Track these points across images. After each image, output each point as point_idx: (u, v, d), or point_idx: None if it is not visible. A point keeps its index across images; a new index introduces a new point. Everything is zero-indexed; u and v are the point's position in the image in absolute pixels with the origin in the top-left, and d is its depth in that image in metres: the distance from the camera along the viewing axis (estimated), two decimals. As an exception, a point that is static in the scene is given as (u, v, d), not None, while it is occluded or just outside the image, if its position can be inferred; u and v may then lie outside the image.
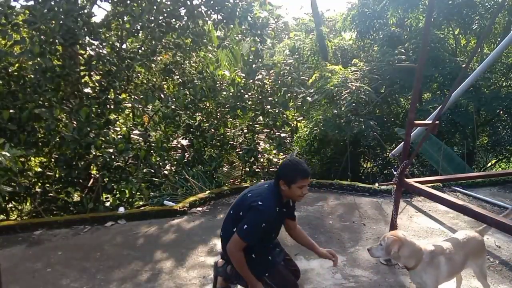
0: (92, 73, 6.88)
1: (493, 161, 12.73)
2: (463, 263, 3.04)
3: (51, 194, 6.76)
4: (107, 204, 6.89)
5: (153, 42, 7.38)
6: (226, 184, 7.40)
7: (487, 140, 11.46)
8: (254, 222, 2.97)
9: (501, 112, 10.30)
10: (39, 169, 6.97)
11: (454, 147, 10.20)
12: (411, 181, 3.94)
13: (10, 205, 6.93)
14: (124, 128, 7.30)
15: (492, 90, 10.15)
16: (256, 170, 7.87)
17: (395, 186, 4.03)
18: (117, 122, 7.44)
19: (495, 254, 4.21)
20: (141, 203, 7.59)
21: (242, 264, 3.06)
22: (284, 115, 8.24)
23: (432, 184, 5.78)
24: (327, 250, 3.30)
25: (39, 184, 6.80)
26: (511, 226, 2.84)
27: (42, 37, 6.08)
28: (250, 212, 3.00)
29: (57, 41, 6.14)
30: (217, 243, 4.50)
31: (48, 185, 6.84)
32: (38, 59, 5.95)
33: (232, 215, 3.21)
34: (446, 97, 3.75)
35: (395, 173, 3.96)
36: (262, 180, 7.11)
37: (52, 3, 5.99)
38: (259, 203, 2.97)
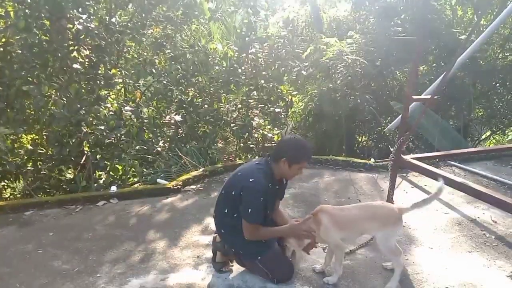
0: (81, 48, 6.69)
1: (487, 133, 12.69)
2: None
3: (44, 172, 6.67)
4: (101, 181, 6.82)
5: (143, 15, 7.17)
6: (221, 161, 7.32)
7: (482, 112, 11.38)
8: (254, 201, 2.96)
9: (497, 84, 10.19)
10: (31, 147, 6.84)
11: (450, 120, 10.12)
12: (408, 157, 3.88)
13: (3, 183, 6.83)
14: (116, 105, 7.16)
15: (489, 62, 10.01)
16: (251, 145, 7.80)
17: (391, 162, 3.96)
18: (108, 98, 7.29)
19: (491, 229, 4.18)
20: (135, 179, 7.52)
21: (266, 235, 3.14)
22: (278, 90, 8.11)
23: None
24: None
25: (31, 162, 6.69)
26: (510, 204, 2.80)
27: (27, 11, 5.87)
28: (244, 193, 2.98)
29: (43, 15, 5.93)
30: (211, 222, 4.43)
31: (40, 163, 6.74)
32: (24, 34, 5.75)
33: (224, 195, 3.20)
34: (446, 73, 3.65)
35: (391, 149, 3.88)
36: (257, 157, 7.04)
37: (37, -25, 5.76)
38: (250, 180, 2.97)
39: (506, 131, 11.90)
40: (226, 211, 3.15)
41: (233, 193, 3.05)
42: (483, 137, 12.37)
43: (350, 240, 3.48)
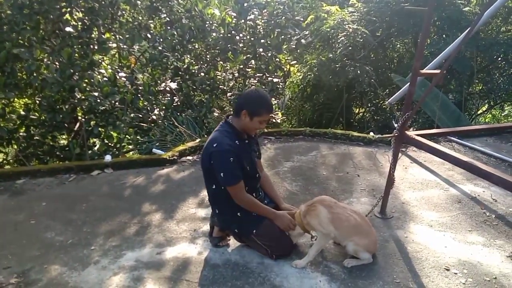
0: (73, 10, 6.42)
1: (483, 108, 12.60)
2: None
3: (37, 138, 6.53)
4: (95, 148, 6.69)
5: (138, -24, 6.89)
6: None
7: (481, 87, 11.25)
8: (224, 163, 2.89)
9: (499, 59, 10.02)
10: (23, 112, 6.66)
11: (449, 94, 9.99)
12: (412, 133, 3.76)
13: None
14: (110, 70, 6.95)
15: (490, 36, 9.80)
16: (248, 115, 7.65)
17: (395, 138, 3.84)
18: (102, 64, 7.08)
19: (491, 208, 4.14)
20: (130, 146, 7.40)
21: (252, 205, 3.08)
22: (277, 59, 7.91)
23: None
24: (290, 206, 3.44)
25: (23, 127, 6.53)
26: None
27: (15, -31, 5.60)
28: (213, 159, 2.91)
29: (32, -26, 5.66)
30: (208, 195, 4.37)
31: (33, 128, 6.59)
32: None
33: (204, 173, 3.13)
34: (455, 48, 3.49)
35: (395, 125, 3.76)
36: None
37: None
38: (214, 145, 2.90)
39: (504, 106, 11.81)
40: (214, 187, 3.08)
41: (207, 166, 2.99)
42: (479, 111, 12.29)
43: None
